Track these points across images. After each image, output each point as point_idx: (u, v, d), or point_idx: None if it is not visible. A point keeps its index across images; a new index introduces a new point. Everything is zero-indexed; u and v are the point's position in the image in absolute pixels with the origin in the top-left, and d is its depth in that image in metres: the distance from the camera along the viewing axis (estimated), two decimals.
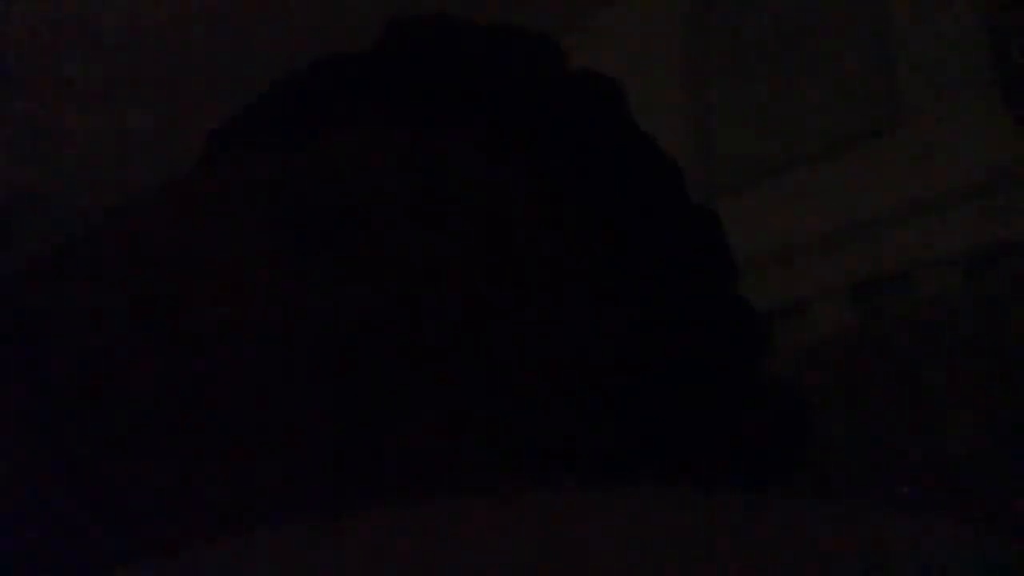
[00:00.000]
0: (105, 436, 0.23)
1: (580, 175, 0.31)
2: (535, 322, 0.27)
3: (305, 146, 0.30)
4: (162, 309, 0.24)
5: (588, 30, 1.79)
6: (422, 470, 0.24)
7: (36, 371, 0.24)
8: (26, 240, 1.87)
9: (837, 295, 1.42)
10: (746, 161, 1.60)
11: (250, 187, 0.28)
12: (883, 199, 1.40)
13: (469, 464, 0.25)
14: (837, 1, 1.57)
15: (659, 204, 0.31)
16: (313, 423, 0.23)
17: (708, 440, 0.29)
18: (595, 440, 0.27)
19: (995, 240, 1.26)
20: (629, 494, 0.18)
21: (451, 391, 0.25)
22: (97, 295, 0.25)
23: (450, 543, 0.16)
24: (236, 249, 0.26)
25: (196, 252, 0.26)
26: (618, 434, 0.28)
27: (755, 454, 0.30)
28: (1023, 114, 1.29)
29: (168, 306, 0.24)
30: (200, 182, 0.29)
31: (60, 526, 0.22)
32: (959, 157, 1.35)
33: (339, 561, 0.16)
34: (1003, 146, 1.30)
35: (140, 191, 0.29)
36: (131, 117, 1.86)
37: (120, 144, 1.90)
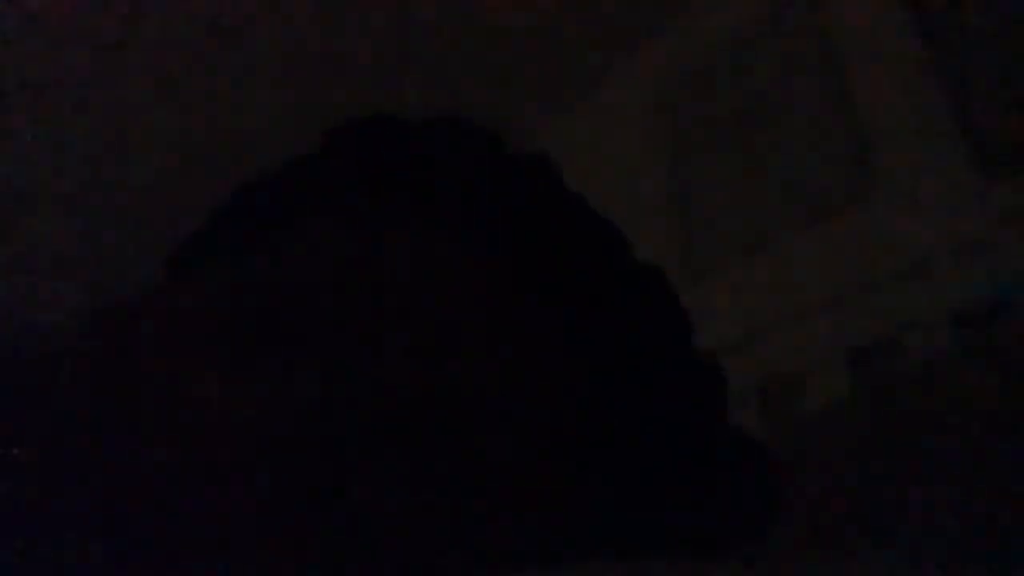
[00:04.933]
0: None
1: (521, 245, 0.32)
2: (488, 395, 0.28)
3: (260, 250, 0.32)
4: (134, 408, 0.26)
5: (564, 120, 1.83)
6: (391, 542, 0.25)
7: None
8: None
9: (831, 363, 1.42)
10: (727, 238, 1.62)
11: (211, 301, 0.31)
12: (866, 266, 1.42)
13: (432, 545, 0.25)
14: (802, 77, 1.61)
15: (599, 264, 0.33)
16: (275, 502, 0.25)
17: (669, 499, 0.30)
18: (555, 510, 0.28)
19: (981, 297, 1.27)
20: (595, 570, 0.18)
21: (408, 468, 0.26)
22: (83, 396, 0.27)
23: None
24: (198, 355, 0.29)
25: (161, 363, 0.28)
26: (578, 499, 0.29)
27: (719, 511, 0.30)
28: (995, 170, 1.32)
29: (138, 404, 0.26)
30: (168, 299, 0.32)
31: None
32: (935, 218, 1.37)
33: None
34: (979, 204, 1.33)
35: (113, 305, 0.33)
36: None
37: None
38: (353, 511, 0.25)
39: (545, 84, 1.86)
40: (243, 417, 0.26)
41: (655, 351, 0.32)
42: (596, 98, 1.88)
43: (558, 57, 1.82)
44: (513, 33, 1.74)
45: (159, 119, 1.88)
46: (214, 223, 0.37)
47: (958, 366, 1.18)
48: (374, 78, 1.78)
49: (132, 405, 0.27)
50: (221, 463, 0.26)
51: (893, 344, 1.36)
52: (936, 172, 1.40)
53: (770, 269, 1.53)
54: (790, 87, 1.62)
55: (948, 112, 1.39)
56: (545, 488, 0.29)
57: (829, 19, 1.65)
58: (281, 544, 0.24)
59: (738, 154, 1.66)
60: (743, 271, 1.56)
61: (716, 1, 1.85)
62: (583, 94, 1.89)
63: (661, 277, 0.34)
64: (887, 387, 1.25)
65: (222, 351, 0.28)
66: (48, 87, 1.78)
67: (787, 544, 0.31)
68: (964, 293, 1.29)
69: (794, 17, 1.70)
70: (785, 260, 1.52)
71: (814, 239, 1.50)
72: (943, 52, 1.41)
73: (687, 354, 0.33)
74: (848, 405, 1.26)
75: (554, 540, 0.28)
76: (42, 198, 1.93)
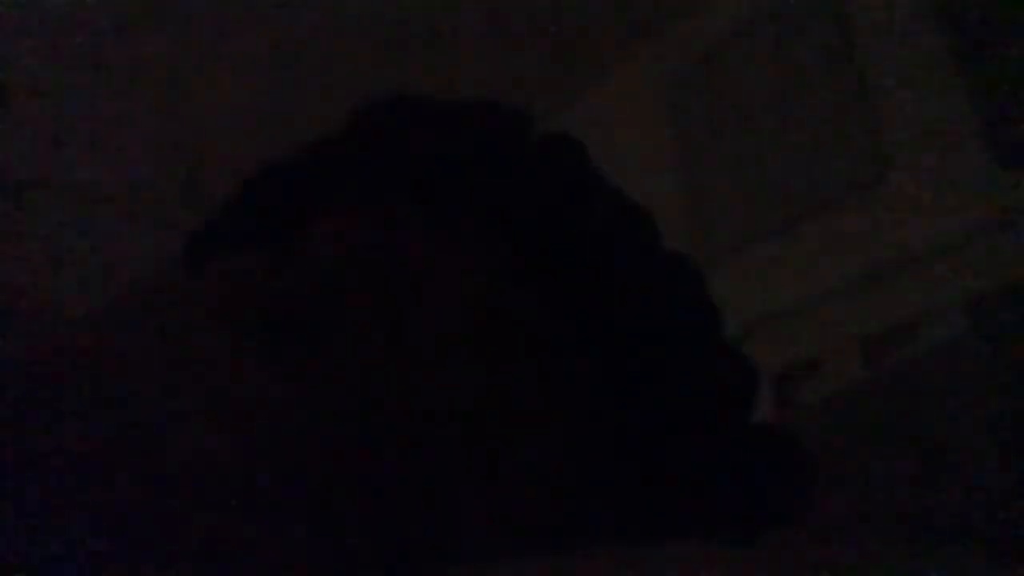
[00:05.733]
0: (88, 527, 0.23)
1: (549, 236, 0.32)
2: (512, 399, 0.28)
3: (278, 243, 0.31)
4: (141, 403, 0.26)
5: (576, 105, 1.83)
6: (413, 557, 0.24)
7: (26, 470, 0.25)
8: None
9: (847, 350, 1.42)
10: (743, 223, 1.61)
11: (228, 291, 0.29)
12: (880, 252, 1.41)
13: (465, 545, 0.25)
14: (816, 62, 1.60)
15: (632, 253, 0.32)
16: (295, 510, 0.24)
17: (702, 489, 0.30)
18: (585, 502, 0.28)
19: (995, 283, 1.26)
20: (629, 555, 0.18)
21: (436, 474, 0.26)
22: (83, 389, 0.26)
23: None
24: (215, 348, 0.27)
25: (179, 353, 0.27)
26: (609, 493, 0.29)
27: (752, 501, 0.30)
28: (1006, 155, 1.31)
29: (148, 400, 0.26)
30: (182, 287, 0.31)
31: None
32: (948, 204, 1.36)
33: None
34: (990, 189, 1.32)
35: (123, 292, 0.31)
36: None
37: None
38: (380, 513, 0.25)
39: (556, 70, 1.86)
40: (268, 409, 0.26)
41: (689, 342, 0.32)
42: (608, 85, 1.88)
43: (570, 43, 1.82)
44: (527, 18, 1.74)
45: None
46: (228, 211, 0.36)
47: (971, 351, 1.18)
48: (385, 59, 1.79)
49: (159, 390, 0.26)
50: (246, 454, 0.25)
51: (907, 330, 1.35)
52: (951, 159, 1.39)
53: (784, 255, 1.53)
54: (804, 72, 1.61)
55: (965, 100, 1.38)
56: (566, 480, 0.29)
57: (846, 5, 1.63)
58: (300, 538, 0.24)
59: (751, 140, 1.64)
60: (757, 257, 1.55)
61: None
62: (595, 80, 1.88)
63: (693, 268, 0.33)
64: (901, 373, 1.25)
65: (243, 343, 0.28)
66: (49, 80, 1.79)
67: (799, 532, 0.31)
68: (977, 279, 1.28)
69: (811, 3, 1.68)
70: (799, 246, 1.51)
71: (828, 225, 1.49)
72: (961, 41, 1.40)
73: (722, 345, 0.33)
74: (862, 391, 1.26)
75: (575, 528, 0.28)
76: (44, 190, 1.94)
